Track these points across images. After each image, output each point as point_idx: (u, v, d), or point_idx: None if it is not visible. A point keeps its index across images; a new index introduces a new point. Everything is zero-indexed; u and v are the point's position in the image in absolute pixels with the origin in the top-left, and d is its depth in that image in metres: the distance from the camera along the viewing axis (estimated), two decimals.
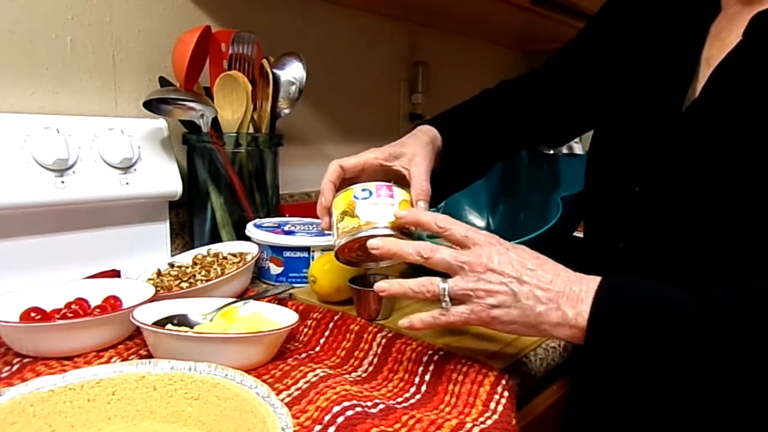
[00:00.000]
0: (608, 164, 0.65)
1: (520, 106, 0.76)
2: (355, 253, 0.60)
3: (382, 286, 0.53)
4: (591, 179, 0.69)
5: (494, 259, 0.49)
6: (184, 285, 0.69)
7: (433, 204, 0.80)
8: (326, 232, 0.65)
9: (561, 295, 0.48)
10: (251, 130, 0.89)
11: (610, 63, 0.68)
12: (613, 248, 0.62)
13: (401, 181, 0.62)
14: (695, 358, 0.44)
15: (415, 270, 0.76)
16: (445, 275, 0.51)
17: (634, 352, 0.46)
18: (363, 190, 0.58)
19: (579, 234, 1.09)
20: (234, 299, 0.64)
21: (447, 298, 0.50)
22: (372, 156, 0.63)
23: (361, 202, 0.57)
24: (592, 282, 0.48)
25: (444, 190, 0.78)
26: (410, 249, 0.52)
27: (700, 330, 0.44)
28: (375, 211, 0.57)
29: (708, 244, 0.52)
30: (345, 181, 0.62)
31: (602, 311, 0.47)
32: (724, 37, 0.56)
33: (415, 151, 0.63)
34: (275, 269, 0.80)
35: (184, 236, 0.95)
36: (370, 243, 0.54)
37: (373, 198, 0.57)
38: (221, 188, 0.87)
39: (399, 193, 0.59)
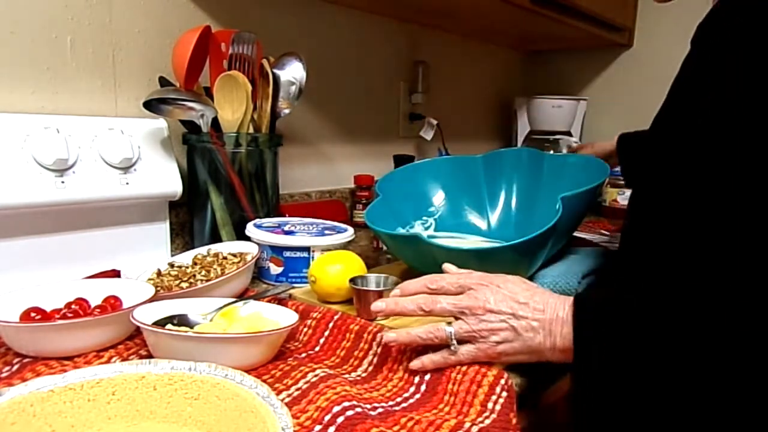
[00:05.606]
0: None
1: None
2: None
3: (389, 336, 0.56)
4: None
5: (490, 299, 0.53)
6: (184, 285, 0.69)
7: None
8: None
9: (551, 322, 0.52)
10: (251, 130, 0.89)
11: None
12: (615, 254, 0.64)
13: None
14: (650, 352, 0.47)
15: (417, 271, 0.76)
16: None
17: (615, 362, 0.48)
18: None
19: (579, 234, 1.09)
20: (234, 299, 0.64)
21: (454, 341, 0.54)
22: None
23: None
24: (567, 303, 0.52)
25: None
26: (411, 305, 0.55)
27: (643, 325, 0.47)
28: None
29: (679, 251, 0.53)
30: None
31: (582, 328, 0.50)
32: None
33: None
34: (275, 269, 0.80)
35: (184, 236, 0.95)
36: (374, 306, 0.57)
37: None
38: (221, 188, 0.87)
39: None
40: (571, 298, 0.52)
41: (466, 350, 0.54)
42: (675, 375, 0.46)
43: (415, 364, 0.55)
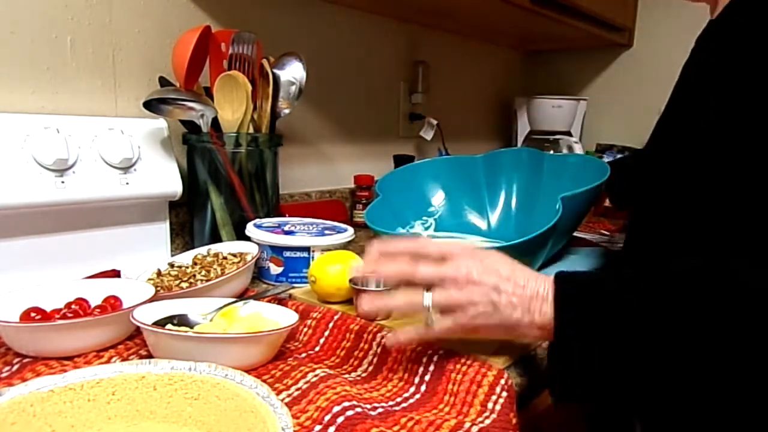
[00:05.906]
0: None
1: None
2: None
3: (363, 307, 0.56)
4: None
5: (473, 270, 0.51)
6: (184, 285, 0.69)
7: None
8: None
9: (531, 299, 0.51)
10: (251, 130, 0.89)
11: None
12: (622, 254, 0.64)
13: None
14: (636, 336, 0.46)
15: None
16: None
17: (595, 341, 0.48)
18: None
19: (579, 234, 1.09)
20: (234, 299, 0.64)
21: (431, 310, 0.52)
22: None
23: None
24: (549, 281, 0.51)
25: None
26: (393, 268, 0.54)
27: (632, 308, 0.46)
28: None
29: (678, 251, 0.54)
30: None
31: (564, 306, 0.49)
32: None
33: None
34: (275, 269, 0.80)
35: (184, 236, 0.95)
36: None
37: None
38: (221, 188, 0.87)
39: None
40: (552, 276, 0.51)
41: (442, 323, 0.52)
42: (653, 349, 0.46)
43: (390, 338, 0.54)
